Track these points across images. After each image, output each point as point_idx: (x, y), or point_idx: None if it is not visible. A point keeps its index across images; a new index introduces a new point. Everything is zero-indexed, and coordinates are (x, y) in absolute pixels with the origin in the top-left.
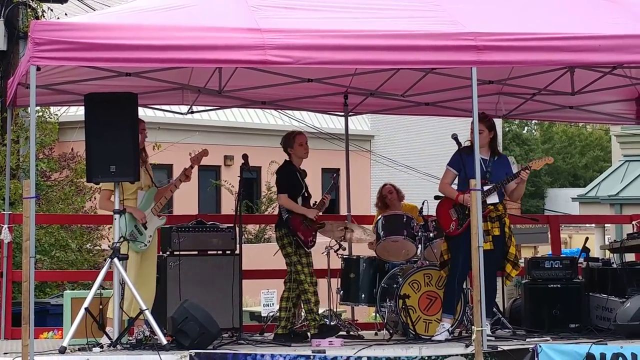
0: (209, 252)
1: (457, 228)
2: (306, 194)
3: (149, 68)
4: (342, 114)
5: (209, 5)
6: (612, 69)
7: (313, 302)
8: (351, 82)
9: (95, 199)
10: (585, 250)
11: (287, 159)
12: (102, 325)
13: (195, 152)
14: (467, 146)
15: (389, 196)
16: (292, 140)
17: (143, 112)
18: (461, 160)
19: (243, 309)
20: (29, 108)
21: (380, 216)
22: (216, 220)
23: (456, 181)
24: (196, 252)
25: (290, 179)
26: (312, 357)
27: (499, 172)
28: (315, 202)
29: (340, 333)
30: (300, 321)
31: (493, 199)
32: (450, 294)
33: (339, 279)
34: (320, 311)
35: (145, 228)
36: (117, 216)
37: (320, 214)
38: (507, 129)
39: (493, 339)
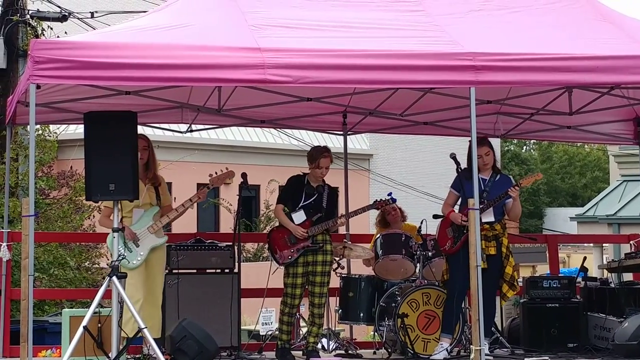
0: (207, 271)
1: (452, 246)
2: (312, 210)
3: (149, 87)
4: (341, 133)
5: (208, 25)
6: (609, 89)
7: (282, 320)
8: (350, 101)
9: (94, 217)
10: (584, 269)
11: (304, 172)
12: (100, 344)
13: (218, 173)
14: (468, 167)
15: (392, 212)
16: (315, 159)
17: (142, 131)
18: (460, 180)
19: (242, 327)
20: (29, 126)
21: (379, 235)
22: (215, 239)
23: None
24: (195, 271)
25: (291, 191)
26: None
27: (496, 192)
28: (314, 219)
29: (339, 352)
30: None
31: (488, 218)
32: (449, 313)
33: (338, 298)
34: (319, 330)
35: (137, 246)
36: (115, 234)
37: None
38: (505, 149)
39: (491, 358)
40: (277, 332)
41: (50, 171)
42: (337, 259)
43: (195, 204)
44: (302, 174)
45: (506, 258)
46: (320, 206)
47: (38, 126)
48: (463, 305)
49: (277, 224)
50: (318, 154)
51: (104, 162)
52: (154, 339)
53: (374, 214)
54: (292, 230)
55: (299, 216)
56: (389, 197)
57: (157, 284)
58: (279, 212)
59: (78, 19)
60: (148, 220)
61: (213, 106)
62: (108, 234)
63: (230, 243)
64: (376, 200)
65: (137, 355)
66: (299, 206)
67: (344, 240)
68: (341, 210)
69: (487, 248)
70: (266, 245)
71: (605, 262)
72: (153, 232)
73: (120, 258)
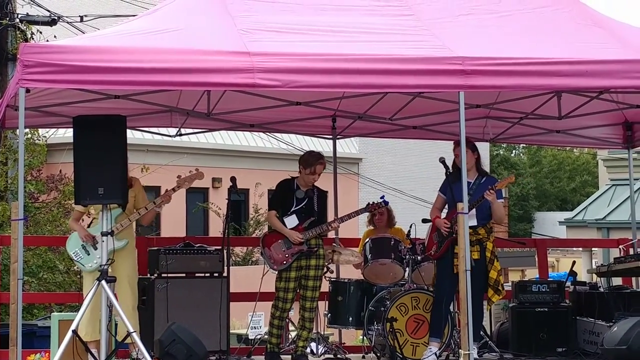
0: (196, 275)
1: (436, 251)
2: (304, 214)
3: (138, 90)
4: (330, 136)
5: (198, 29)
6: (598, 93)
7: (272, 324)
8: (339, 105)
9: (82, 221)
10: (573, 274)
11: (292, 176)
12: (89, 348)
13: (187, 174)
14: (455, 171)
15: (378, 215)
16: (311, 165)
17: (132, 134)
18: (448, 184)
19: (230, 331)
20: (18, 130)
21: (368, 239)
22: (204, 243)
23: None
24: (184, 275)
25: (282, 196)
26: None
27: (479, 195)
28: (307, 224)
29: (328, 356)
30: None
31: (471, 222)
32: (437, 317)
33: (327, 302)
34: (309, 334)
35: (95, 249)
36: (104, 238)
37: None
38: (494, 153)
39: None
40: (266, 336)
41: (40, 175)
42: (326, 263)
43: (162, 206)
44: (290, 177)
45: (490, 262)
46: (312, 210)
47: (27, 130)
48: (451, 309)
49: (266, 227)
50: (314, 160)
51: (93, 166)
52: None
53: (363, 218)
54: (287, 235)
55: (291, 221)
56: (382, 200)
57: (124, 288)
58: (272, 218)
59: (67, 22)
60: (110, 223)
61: (202, 110)
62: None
63: (220, 247)
64: (369, 203)
65: None
66: (291, 211)
67: (333, 244)
68: (330, 213)
69: (470, 253)
70: (255, 249)
71: (594, 266)
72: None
73: (109, 262)
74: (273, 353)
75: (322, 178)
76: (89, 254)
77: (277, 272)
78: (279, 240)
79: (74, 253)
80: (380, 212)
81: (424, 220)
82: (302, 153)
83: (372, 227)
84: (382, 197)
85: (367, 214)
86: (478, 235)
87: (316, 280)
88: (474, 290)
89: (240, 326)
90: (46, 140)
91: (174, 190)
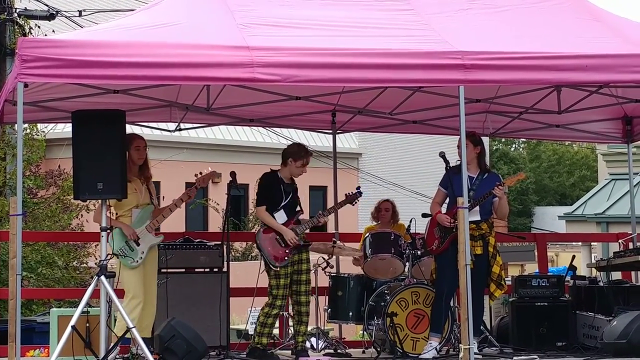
0: (196, 270)
1: (439, 246)
2: (289, 209)
3: (137, 85)
4: (330, 131)
5: (197, 23)
6: (598, 88)
7: (266, 323)
8: (339, 100)
9: (82, 216)
10: (572, 268)
11: (273, 169)
12: (88, 343)
13: (203, 173)
14: (456, 165)
15: (383, 212)
16: (303, 157)
17: (131, 129)
18: (449, 178)
19: (230, 326)
20: (16, 125)
21: (367, 234)
22: (203, 238)
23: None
24: (183, 270)
25: (270, 190)
26: None
27: (483, 190)
28: (299, 218)
29: (328, 351)
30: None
31: (474, 217)
32: (437, 312)
33: (327, 297)
34: (308, 329)
35: (138, 245)
36: (104, 234)
37: (307, 231)
38: (494, 148)
39: (480, 357)
40: (257, 335)
41: (38, 170)
42: (326, 257)
43: (184, 203)
44: (272, 171)
45: (493, 257)
46: (296, 203)
47: (26, 125)
48: (452, 304)
49: None
50: (305, 153)
51: (92, 161)
52: (146, 339)
53: (364, 213)
54: (284, 234)
55: (280, 216)
56: (357, 190)
57: (154, 283)
58: (263, 214)
59: (66, 17)
60: (146, 219)
61: (202, 105)
62: (97, 233)
63: (219, 242)
64: (346, 193)
65: (126, 355)
66: (280, 206)
67: (333, 239)
68: (320, 208)
69: (473, 248)
70: (254, 244)
71: (593, 260)
72: (151, 231)
73: (108, 258)
74: (263, 351)
75: (321, 173)
76: (132, 250)
77: (271, 269)
78: (276, 237)
79: (120, 250)
80: (385, 208)
81: (424, 215)
82: None
83: (376, 223)
84: (358, 187)
85: (371, 209)
86: (481, 230)
87: (309, 273)
88: (476, 285)
89: (240, 321)
90: (45, 136)
91: (195, 188)
